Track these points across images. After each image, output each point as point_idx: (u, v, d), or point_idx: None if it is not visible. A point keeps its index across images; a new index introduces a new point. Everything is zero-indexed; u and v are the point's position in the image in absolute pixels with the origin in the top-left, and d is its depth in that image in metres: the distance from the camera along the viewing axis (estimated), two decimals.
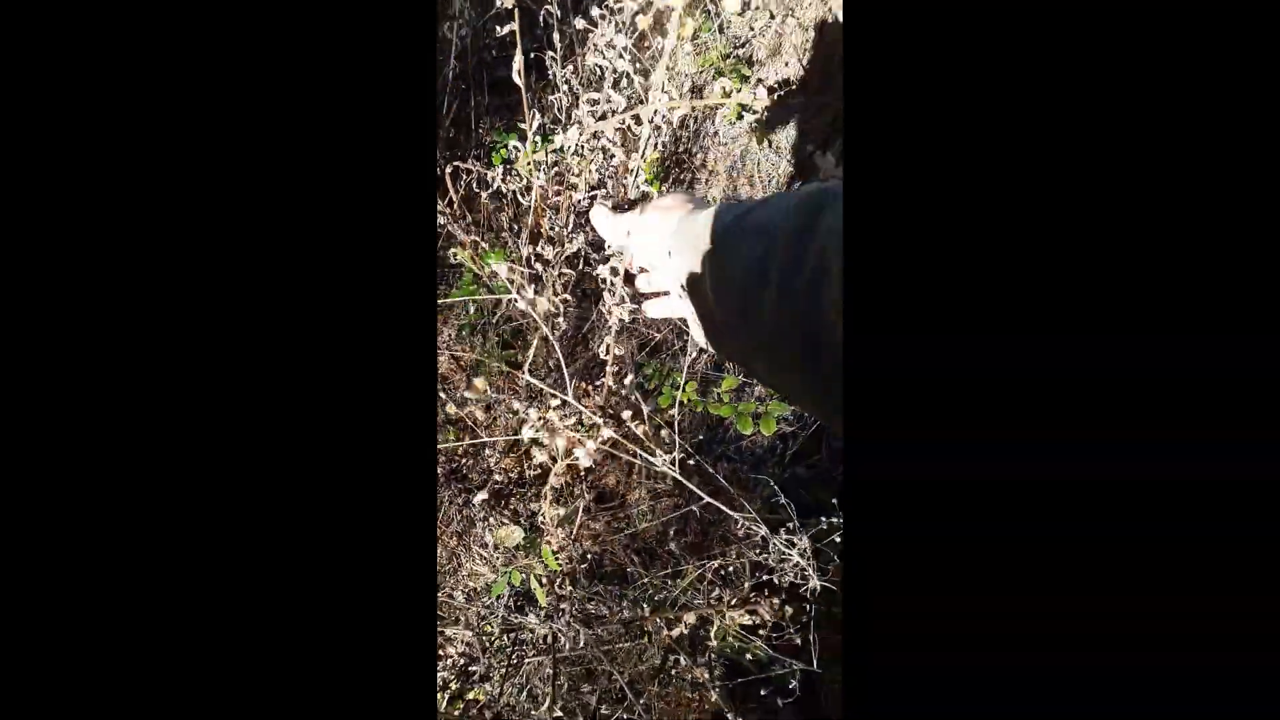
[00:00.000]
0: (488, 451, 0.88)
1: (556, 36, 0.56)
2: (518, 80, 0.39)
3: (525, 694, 0.87)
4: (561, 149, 0.54)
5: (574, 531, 0.86)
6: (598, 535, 0.94)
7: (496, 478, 0.85)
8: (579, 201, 0.62)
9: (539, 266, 0.56)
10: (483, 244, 0.71)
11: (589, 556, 0.93)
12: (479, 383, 0.73)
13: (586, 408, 0.68)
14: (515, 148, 0.67)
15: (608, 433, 0.68)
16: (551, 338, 0.57)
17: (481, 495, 0.73)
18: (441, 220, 0.80)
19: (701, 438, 1.01)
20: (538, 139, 0.57)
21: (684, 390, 0.88)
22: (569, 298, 0.58)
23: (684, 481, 0.76)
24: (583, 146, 0.53)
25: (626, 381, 0.74)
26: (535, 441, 0.69)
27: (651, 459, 0.73)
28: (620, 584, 0.90)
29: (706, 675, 0.81)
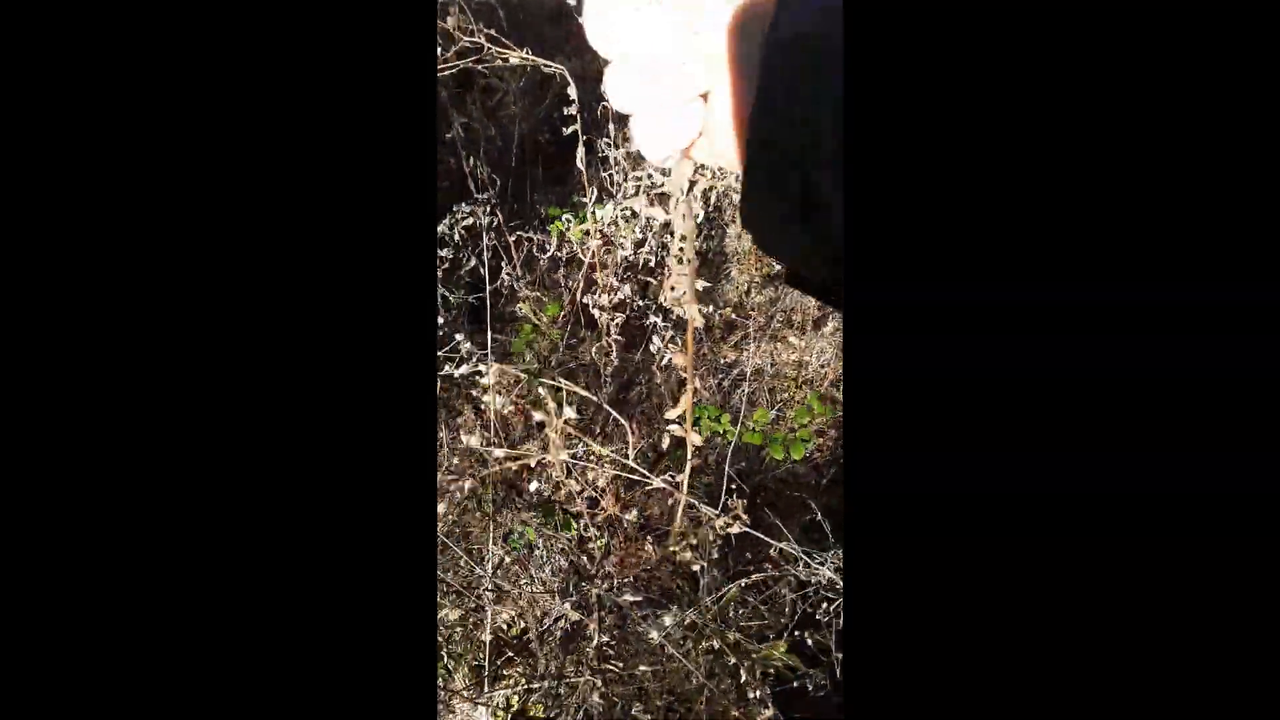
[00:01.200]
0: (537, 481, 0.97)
1: (612, 126, 0.69)
2: (581, 167, 0.51)
3: (581, 714, 0.92)
4: (606, 218, 0.66)
5: (616, 550, 0.94)
6: (644, 559, 1.01)
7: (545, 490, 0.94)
8: (624, 259, 0.74)
9: (595, 312, 0.67)
10: (544, 298, 0.83)
11: (636, 579, 0.99)
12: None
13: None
14: (569, 219, 0.80)
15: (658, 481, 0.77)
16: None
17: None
18: (506, 280, 0.93)
19: (742, 465, 1.08)
20: (594, 210, 0.70)
21: (719, 422, 0.97)
22: (619, 337, 0.69)
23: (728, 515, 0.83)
24: (623, 215, 0.65)
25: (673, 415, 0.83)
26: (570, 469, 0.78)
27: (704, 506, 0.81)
28: (666, 605, 0.96)
29: (753, 695, 0.86)
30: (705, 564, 0.88)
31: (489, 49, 0.53)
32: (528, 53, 0.51)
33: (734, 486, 0.87)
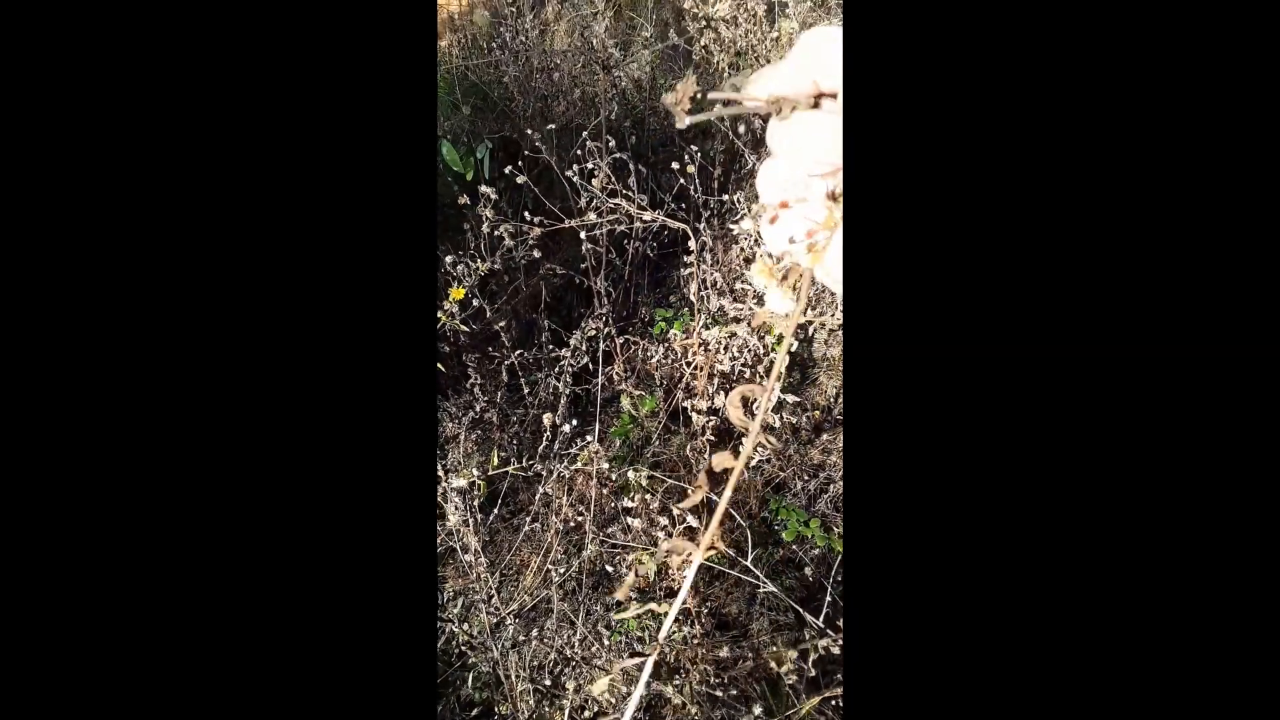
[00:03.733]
0: (626, 571, 1.02)
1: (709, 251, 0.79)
2: (693, 299, 0.60)
3: None
4: (711, 337, 0.75)
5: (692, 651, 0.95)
6: (721, 663, 1.00)
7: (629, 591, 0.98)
8: (718, 363, 0.82)
9: (694, 415, 0.74)
10: (644, 395, 0.91)
11: (712, 682, 0.99)
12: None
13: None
14: (674, 329, 0.89)
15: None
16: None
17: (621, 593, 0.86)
18: (611, 380, 1.03)
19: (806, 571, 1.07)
20: (703, 321, 0.79)
21: (808, 526, 0.99)
22: (713, 438, 0.75)
23: (807, 616, 0.84)
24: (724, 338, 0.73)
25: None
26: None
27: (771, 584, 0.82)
28: (743, 709, 0.95)
29: None
30: (795, 678, 0.87)
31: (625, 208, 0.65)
32: (659, 214, 0.63)
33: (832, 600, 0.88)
